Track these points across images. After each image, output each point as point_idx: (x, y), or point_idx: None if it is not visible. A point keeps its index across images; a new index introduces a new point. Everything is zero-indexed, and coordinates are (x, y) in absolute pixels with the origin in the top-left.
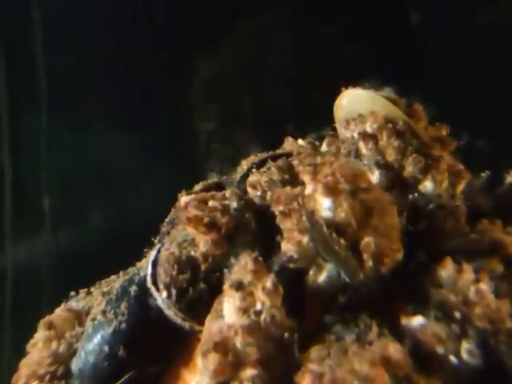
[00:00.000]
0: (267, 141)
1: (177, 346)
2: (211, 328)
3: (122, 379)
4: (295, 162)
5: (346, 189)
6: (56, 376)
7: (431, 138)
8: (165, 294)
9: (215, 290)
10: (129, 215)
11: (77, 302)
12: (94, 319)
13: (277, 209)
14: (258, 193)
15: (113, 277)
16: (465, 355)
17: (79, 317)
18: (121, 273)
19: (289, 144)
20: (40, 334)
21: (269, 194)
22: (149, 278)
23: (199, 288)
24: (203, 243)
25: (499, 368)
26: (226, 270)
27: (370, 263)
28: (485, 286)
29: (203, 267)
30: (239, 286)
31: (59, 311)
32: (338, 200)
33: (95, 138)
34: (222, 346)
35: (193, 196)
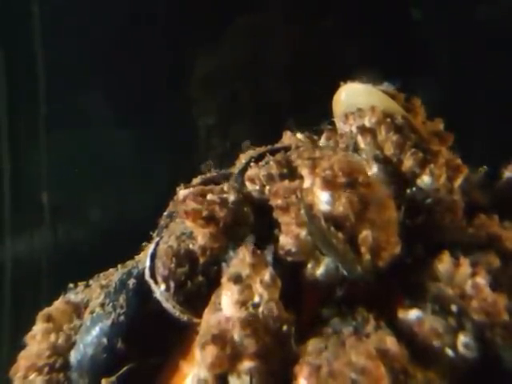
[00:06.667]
0: (266, 135)
1: (175, 338)
2: (209, 320)
3: (121, 371)
4: (293, 156)
5: (344, 183)
6: (55, 368)
7: (429, 132)
8: (163, 286)
9: (213, 283)
10: (127, 209)
11: (75, 294)
12: (92, 312)
13: (275, 202)
14: (257, 187)
15: (111, 270)
16: (461, 348)
17: (78, 309)
18: (119, 266)
19: (287, 138)
20: (39, 327)
21: (267, 187)
22: (147, 271)
23: (197, 281)
24: (201, 236)
25: (495, 361)
26: (224, 263)
27: (367, 257)
28: (481, 280)
29: (201, 260)
30: (237, 279)
31: (58, 304)
32: (336, 194)
33: (94, 133)
34: (219, 339)
35: (191, 189)
